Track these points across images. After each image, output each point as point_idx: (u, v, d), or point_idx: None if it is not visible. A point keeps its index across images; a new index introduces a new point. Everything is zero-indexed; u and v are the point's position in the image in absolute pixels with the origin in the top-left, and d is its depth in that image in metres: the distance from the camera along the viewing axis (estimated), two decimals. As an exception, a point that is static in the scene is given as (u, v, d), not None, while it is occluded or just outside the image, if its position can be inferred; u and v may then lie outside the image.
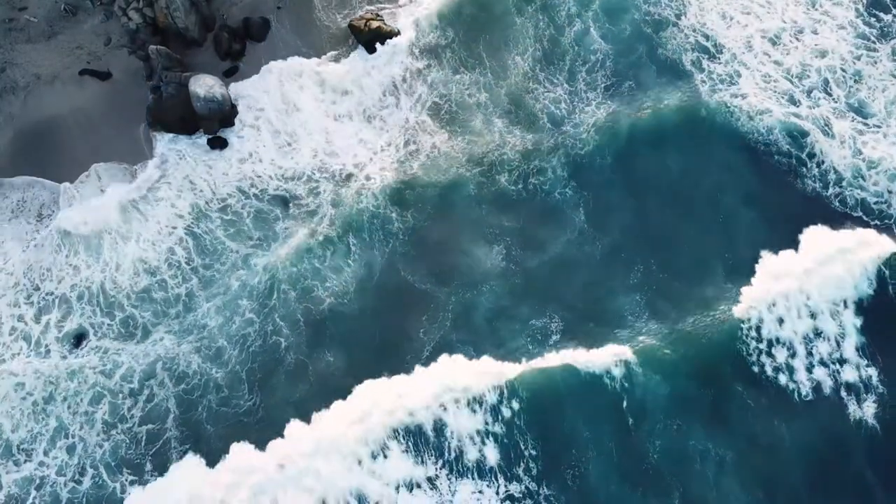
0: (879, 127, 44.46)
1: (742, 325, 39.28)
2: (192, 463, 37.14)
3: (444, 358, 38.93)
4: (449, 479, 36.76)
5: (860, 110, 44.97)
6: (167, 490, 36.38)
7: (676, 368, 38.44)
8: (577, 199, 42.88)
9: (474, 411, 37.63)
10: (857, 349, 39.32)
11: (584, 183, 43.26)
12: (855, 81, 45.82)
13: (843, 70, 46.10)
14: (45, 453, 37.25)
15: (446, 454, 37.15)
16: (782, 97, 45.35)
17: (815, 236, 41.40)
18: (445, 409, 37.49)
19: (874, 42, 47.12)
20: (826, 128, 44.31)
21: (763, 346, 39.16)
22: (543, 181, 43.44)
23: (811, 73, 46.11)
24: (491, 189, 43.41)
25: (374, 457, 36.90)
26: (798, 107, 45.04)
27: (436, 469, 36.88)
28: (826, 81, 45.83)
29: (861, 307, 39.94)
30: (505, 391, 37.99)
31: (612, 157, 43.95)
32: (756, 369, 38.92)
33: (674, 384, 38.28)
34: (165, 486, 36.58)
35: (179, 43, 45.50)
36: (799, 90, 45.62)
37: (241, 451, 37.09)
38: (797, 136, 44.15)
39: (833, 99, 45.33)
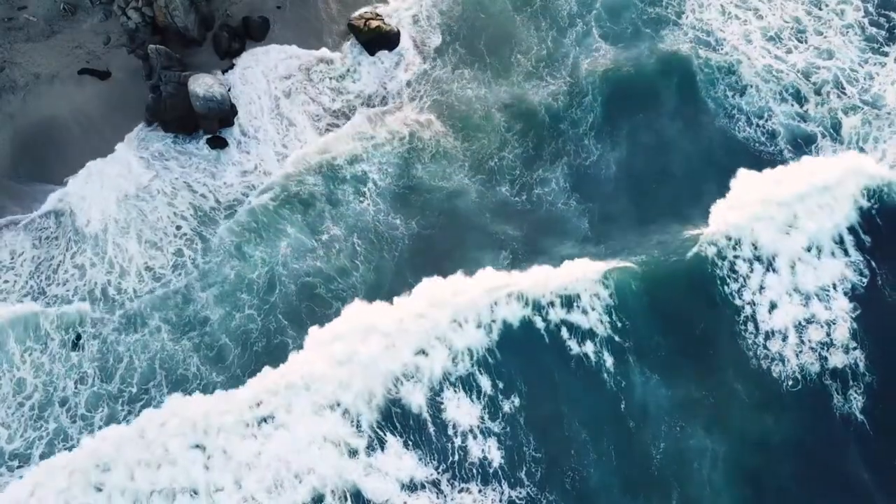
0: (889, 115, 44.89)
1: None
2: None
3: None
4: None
5: (870, 104, 45.37)
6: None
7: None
8: (583, 209, 43.04)
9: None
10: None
11: (588, 194, 43.56)
12: (868, 79, 46.04)
13: (853, 70, 46.33)
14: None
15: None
16: (785, 91, 45.58)
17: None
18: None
19: (882, 44, 47.18)
20: (833, 130, 44.58)
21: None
22: (545, 189, 43.76)
23: (819, 71, 46.41)
24: (492, 192, 43.67)
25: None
26: (804, 105, 45.28)
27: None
28: (836, 79, 46.14)
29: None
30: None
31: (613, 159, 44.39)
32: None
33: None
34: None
35: (179, 42, 45.38)
36: (806, 87, 45.81)
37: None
38: (800, 141, 44.34)
39: (846, 95, 45.62)
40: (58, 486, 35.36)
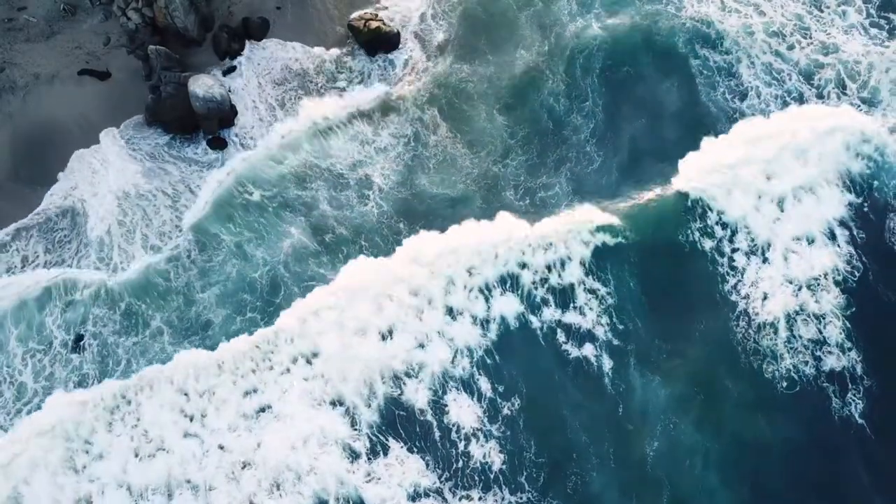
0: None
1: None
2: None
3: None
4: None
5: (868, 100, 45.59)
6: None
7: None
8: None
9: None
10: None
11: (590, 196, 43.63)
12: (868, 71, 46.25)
13: (856, 64, 46.50)
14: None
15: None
16: (787, 94, 45.70)
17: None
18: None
19: (882, 41, 47.30)
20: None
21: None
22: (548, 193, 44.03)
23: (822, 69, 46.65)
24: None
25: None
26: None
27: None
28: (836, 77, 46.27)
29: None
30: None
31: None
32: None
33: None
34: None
35: (178, 43, 45.33)
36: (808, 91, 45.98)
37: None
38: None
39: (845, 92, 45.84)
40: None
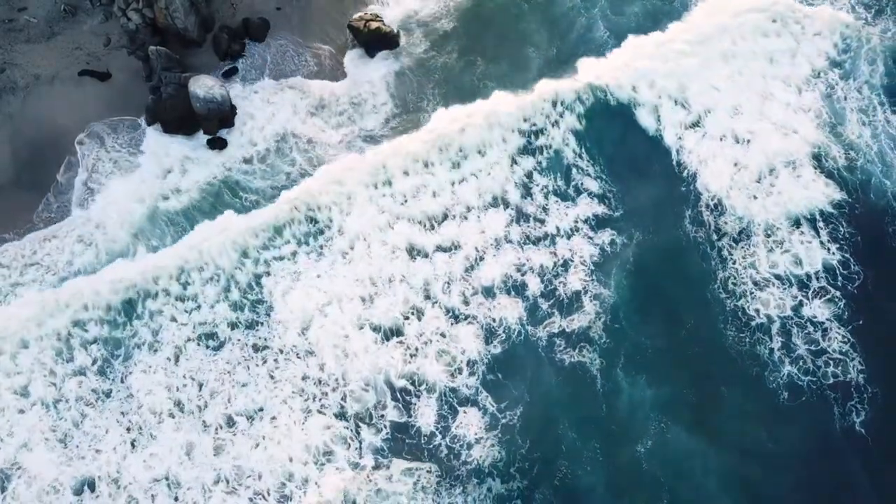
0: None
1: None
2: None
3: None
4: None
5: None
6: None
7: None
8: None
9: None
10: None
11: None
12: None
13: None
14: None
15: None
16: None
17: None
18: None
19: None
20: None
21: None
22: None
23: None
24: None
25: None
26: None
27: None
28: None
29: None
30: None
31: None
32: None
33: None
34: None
35: (179, 43, 45.39)
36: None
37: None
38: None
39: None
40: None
